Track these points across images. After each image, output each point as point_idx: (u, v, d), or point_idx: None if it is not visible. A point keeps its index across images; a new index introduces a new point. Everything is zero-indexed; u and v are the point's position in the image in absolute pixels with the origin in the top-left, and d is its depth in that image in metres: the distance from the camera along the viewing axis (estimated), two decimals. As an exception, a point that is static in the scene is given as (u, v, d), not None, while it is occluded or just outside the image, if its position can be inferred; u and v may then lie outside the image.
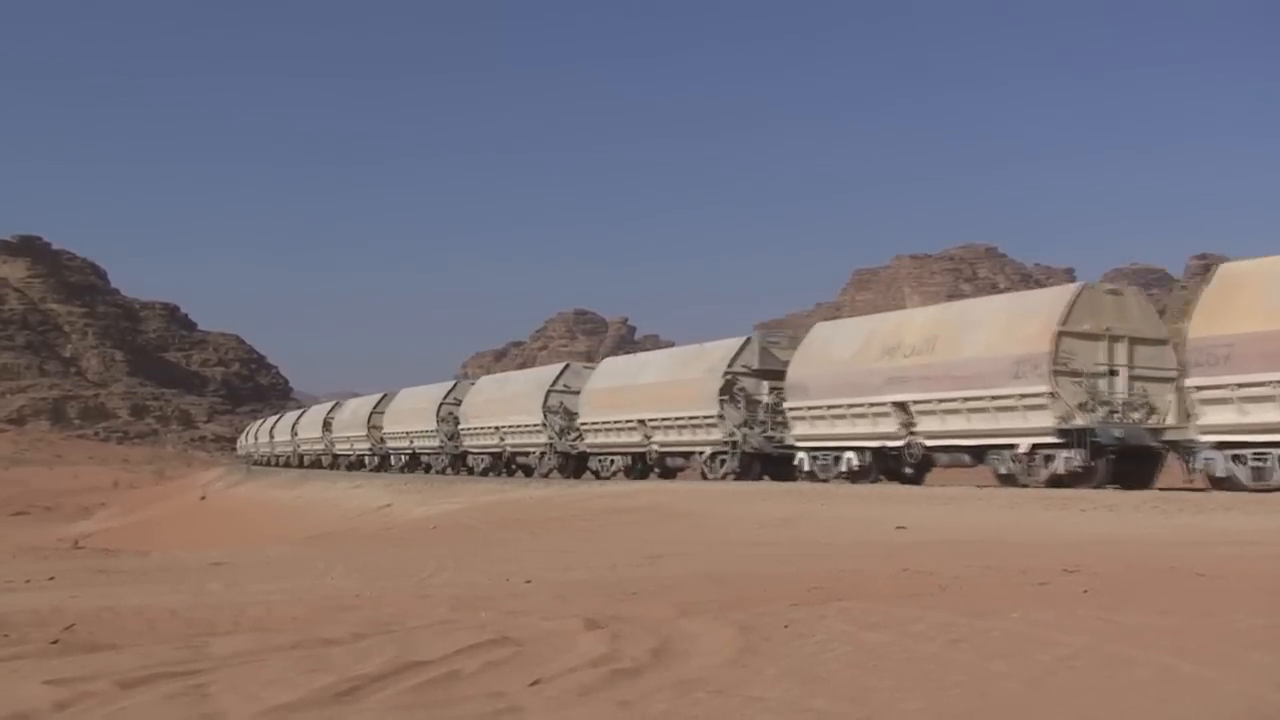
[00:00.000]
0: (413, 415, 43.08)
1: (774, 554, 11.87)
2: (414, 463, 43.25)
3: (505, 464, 36.90)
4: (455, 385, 41.77)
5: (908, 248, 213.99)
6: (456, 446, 39.61)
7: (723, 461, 26.35)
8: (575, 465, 32.84)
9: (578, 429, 32.04)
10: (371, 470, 45.50)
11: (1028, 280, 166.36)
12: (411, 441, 43.11)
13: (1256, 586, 7.37)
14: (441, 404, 40.51)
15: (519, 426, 34.73)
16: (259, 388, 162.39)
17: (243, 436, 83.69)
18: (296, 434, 59.18)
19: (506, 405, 35.87)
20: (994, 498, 17.23)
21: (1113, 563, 9.10)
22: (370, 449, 47.21)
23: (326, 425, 53.36)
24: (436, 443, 40.68)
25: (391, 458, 45.36)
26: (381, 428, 45.78)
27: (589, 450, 31.77)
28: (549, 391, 33.51)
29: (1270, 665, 4.74)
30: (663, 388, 28.27)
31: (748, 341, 26.91)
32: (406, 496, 29.26)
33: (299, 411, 66.77)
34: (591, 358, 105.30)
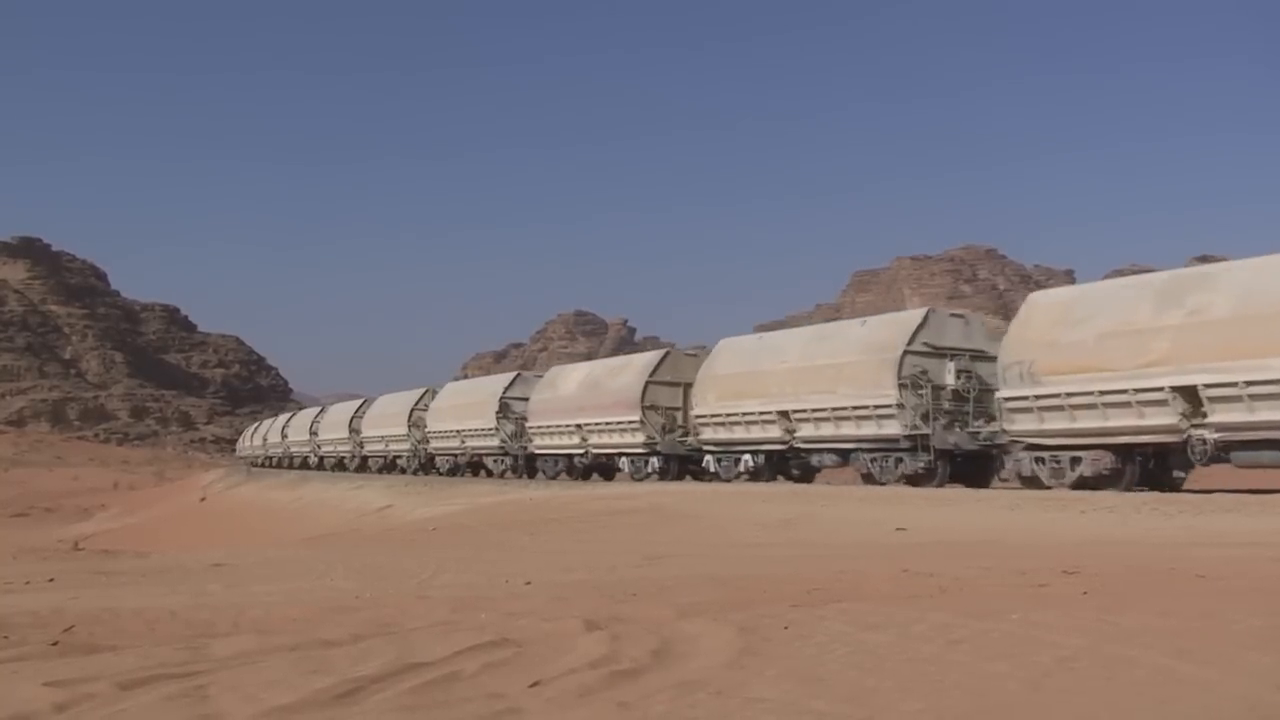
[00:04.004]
0: (387, 420, 44.43)
1: (774, 555, 11.87)
2: (392, 465, 44.50)
3: (468, 465, 38.58)
4: (425, 392, 43.10)
5: (908, 249, 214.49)
6: (426, 449, 41.00)
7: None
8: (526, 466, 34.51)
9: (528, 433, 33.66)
10: (354, 471, 46.73)
11: (1027, 282, 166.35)
12: (387, 445, 44.51)
13: (1256, 588, 7.36)
14: (412, 410, 42.03)
15: (477, 430, 36.41)
16: (259, 389, 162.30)
17: (242, 438, 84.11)
18: (286, 437, 60.65)
19: (465, 411, 37.65)
20: (994, 499, 17.25)
21: (1112, 564, 9.10)
22: (351, 452, 48.47)
23: (313, 430, 54.86)
24: (408, 446, 42.06)
25: (370, 460, 46.54)
26: (360, 431, 47.27)
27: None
28: (501, 399, 35.15)
29: (1269, 666, 4.74)
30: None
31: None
32: (406, 498, 29.27)
33: (289, 415, 67.67)
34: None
